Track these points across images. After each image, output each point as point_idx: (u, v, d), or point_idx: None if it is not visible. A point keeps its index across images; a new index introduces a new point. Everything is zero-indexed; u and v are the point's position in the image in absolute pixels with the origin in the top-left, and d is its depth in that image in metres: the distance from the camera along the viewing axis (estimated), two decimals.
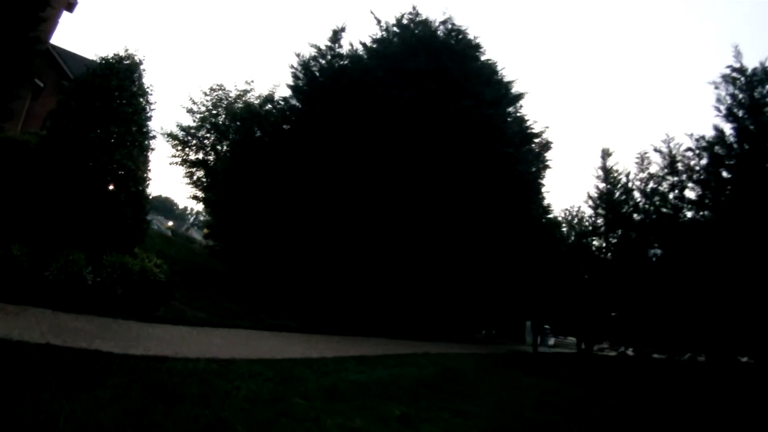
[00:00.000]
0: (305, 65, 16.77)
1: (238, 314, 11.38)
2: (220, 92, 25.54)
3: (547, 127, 22.50)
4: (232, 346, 8.24)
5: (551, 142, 23.85)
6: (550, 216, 23.62)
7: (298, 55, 17.48)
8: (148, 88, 11.76)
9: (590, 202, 21.20)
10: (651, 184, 21.20)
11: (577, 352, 22.44)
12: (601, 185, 21.16)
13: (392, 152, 14.58)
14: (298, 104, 15.99)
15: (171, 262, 12.41)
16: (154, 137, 12.46)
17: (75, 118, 10.42)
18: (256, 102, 21.70)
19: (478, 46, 18.31)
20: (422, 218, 15.01)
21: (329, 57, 17.14)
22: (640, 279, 19.06)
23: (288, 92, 17.22)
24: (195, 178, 27.55)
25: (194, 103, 26.46)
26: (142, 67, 11.65)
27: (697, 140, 20.37)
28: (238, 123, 20.80)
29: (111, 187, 10.50)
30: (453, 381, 9.14)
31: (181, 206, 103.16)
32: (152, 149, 12.38)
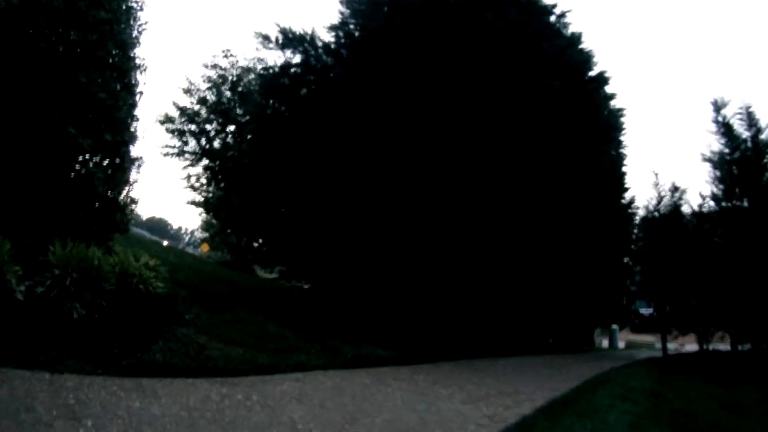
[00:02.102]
0: None
1: (292, 341, 6.88)
2: (230, 60, 21.08)
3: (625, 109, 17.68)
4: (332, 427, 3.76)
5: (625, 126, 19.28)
6: (632, 206, 19.24)
7: None
8: None
9: (709, 166, 16.16)
10: None
11: (664, 351, 17.93)
12: (719, 144, 16.06)
13: (483, 112, 10.16)
14: (339, 58, 11.37)
15: (172, 270, 7.99)
16: (143, 69, 7.95)
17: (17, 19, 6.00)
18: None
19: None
20: (501, 211, 10.62)
21: None
22: None
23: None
24: (194, 176, 23.05)
25: (191, 84, 21.97)
26: None
27: None
28: (257, 97, 16.42)
29: (71, 131, 6.00)
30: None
31: (175, 226, 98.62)
32: (140, 90, 7.89)
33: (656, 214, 17.16)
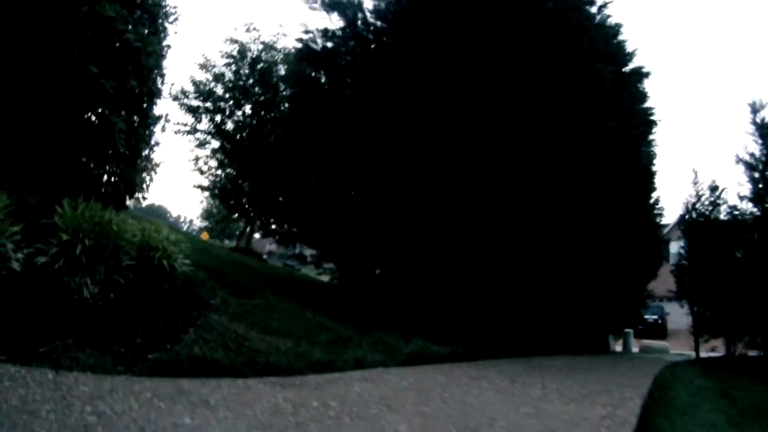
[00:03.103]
0: None
1: (341, 333, 5.89)
2: (251, 34, 19.96)
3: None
4: None
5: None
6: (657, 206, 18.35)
7: None
8: None
9: (743, 167, 15.61)
10: None
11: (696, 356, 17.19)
12: (756, 144, 15.52)
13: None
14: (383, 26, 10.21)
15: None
16: (175, 18, 6.92)
17: None
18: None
19: None
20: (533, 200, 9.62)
21: None
22: None
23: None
24: (203, 158, 21.95)
25: (207, 59, 20.82)
26: None
27: None
28: (286, 72, 15.39)
29: (93, 70, 4.96)
30: None
31: (174, 214, 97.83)
32: (168, 44, 6.83)
33: (694, 213, 16.49)
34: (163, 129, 6.51)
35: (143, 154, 6.25)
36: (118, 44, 5.36)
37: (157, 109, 6.63)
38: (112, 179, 5.26)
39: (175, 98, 20.70)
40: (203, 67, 20.81)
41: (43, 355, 2.84)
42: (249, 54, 20.05)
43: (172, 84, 20.14)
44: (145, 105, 6.08)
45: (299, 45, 9.46)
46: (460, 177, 8.75)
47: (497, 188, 8.71)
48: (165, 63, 6.59)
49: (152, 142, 6.50)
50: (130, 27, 5.52)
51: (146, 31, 6.04)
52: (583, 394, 4.88)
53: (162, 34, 6.57)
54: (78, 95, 4.97)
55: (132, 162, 5.80)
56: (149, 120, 6.17)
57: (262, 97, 19.80)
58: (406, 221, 9.08)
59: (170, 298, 4.63)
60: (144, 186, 6.02)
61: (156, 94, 6.30)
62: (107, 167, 5.23)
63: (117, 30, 5.34)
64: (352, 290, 10.31)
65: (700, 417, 4.28)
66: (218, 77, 20.55)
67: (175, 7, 6.80)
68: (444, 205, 8.88)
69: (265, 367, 3.71)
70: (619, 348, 23.22)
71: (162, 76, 6.53)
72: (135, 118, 5.85)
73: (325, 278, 13.92)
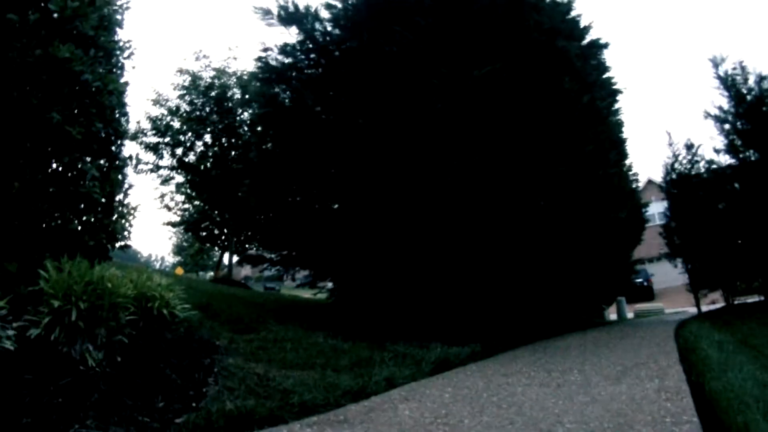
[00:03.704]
0: None
1: (360, 353, 5.62)
2: (202, 62, 19.49)
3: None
4: None
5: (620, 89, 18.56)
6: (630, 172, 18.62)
7: None
8: None
9: (713, 122, 16.06)
10: None
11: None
12: (723, 96, 15.98)
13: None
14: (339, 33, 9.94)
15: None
16: (130, 52, 6.55)
17: None
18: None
19: None
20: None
21: None
22: None
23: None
24: (169, 195, 21.33)
25: (159, 94, 20.25)
26: None
27: None
28: (251, 94, 14.96)
29: (55, 117, 4.59)
30: None
31: (145, 254, 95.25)
32: (126, 80, 6.43)
33: (674, 174, 16.86)
34: (136, 169, 6.12)
35: (118, 199, 5.87)
36: (77, 87, 4.99)
37: (125, 150, 6.29)
38: (91, 231, 4.85)
39: (134, 137, 20.10)
40: (156, 102, 20.25)
41: None
42: (201, 82, 19.58)
43: (138, 122, 19.58)
44: (113, 147, 5.71)
45: (259, 63, 9.12)
46: (442, 172, 8.58)
47: (484, 180, 8.56)
48: (126, 100, 6.26)
49: (125, 186, 6.14)
50: (86, 67, 5.15)
51: (103, 70, 5.68)
52: (621, 370, 4.74)
53: (120, 71, 6.21)
54: (43, 146, 4.60)
55: (109, 209, 5.42)
56: (119, 162, 5.79)
57: (221, 125, 19.36)
58: (395, 226, 8.86)
59: (176, 348, 4.30)
60: (125, 233, 5.63)
61: (122, 134, 5.93)
62: (84, 219, 4.83)
63: (74, 71, 4.97)
64: (351, 306, 10.03)
65: (744, 372, 4.17)
66: (173, 111, 20.02)
67: (129, 41, 6.42)
68: (430, 204, 8.69)
69: (302, 407, 3.42)
70: (614, 316, 23.42)
71: (125, 114, 6.17)
72: (105, 162, 5.48)
73: (313, 296, 13.58)
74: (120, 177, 5.73)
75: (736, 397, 3.02)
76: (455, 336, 7.38)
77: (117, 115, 5.82)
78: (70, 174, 4.91)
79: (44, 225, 4.57)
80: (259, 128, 10.42)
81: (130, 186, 6.26)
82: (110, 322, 3.69)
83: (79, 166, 4.91)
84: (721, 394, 3.14)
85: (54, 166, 4.90)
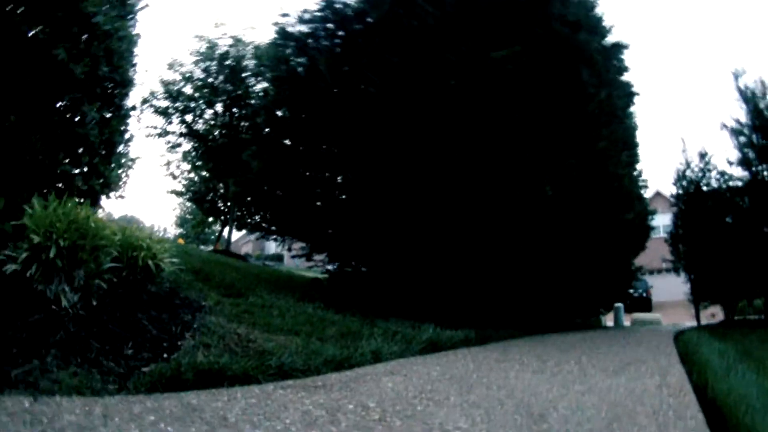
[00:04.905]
0: None
1: (349, 325, 5.47)
2: (221, 30, 19.26)
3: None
4: None
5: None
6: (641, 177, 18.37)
7: None
8: None
9: (729, 134, 15.76)
10: None
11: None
12: (741, 109, 15.72)
13: None
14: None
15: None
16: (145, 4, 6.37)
17: None
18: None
19: None
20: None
21: None
22: None
23: None
24: (175, 162, 21.20)
25: (174, 60, 20.04)
26: None
27: None
28: (264, 62, 14.74)
29: (59, 54, 4.42)
30: None
31: (147, 223, 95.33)
32: (137, 33, 6.28)
33: (684, 181, 16.52)
34: (139, 120, 5.95)
35: (118, 149, 5.72)
36: (87, 27, 4.80)
37: (130, 101, 6.13)
38: (85, 176, 4.69)
39: (145, 101, 19.93)
40: (171, 66, 20.05)
41: (17, 378, 2.35)
42: (217, 50, 19.36)
43: (146, 71, 19.37)
44: (117, 94, 5.55)
45: (276, 29, 8.92)
46: (450, 151, 8.40)
47: (492, 161, 8.38)
48: (136, 51, 6.08)
49: (127, 136, 5.98)
50: (99, 9, 4.97)
51: (115, 15, 5.49)
52: (620, 366, 4.56)
53: (133, 21, 6.04)
54: (45, 83, 4.42)
55: (107, 157, 5.27)
56: (123, 111, 5.63)
57: (233, 94, 19.16)
58: (404, 207, 8.70)
59: (159, 302, 4.14)
60: (120, 183, 5.48)
61: (129, 83, 5.77)
62: (80, 162, 4.67)
63: (85, 12, 4.79)
64: (347, 282, 9.88)
65: (747, 380, 4.00)
66: (187, 77, 19.83)
67: None
68: (435, 183, 8.53)
69: (280, 370, 3.26)
70: (610, 323, 23.32)
71: (134, 64, 6.00)
72: (107, 108, 5.31)
73: (312, 274, 13.45)
74: (121, 125, 5.58)
75: (742, 400, 2.83)
76: (449, 321, 7.24)
77: (126, 63, 5.67)
78: (69, 114, 4.75)
79: (38, 164, 4.40)
80: (270, 92, 10.21)
81: (132, 137, 6.13)
82: (90, 264, 3.53)
83: (80, 107, 4.74)
84: (726, 396, 2.96)
85: (56, 105, 4.76)
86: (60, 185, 4.39)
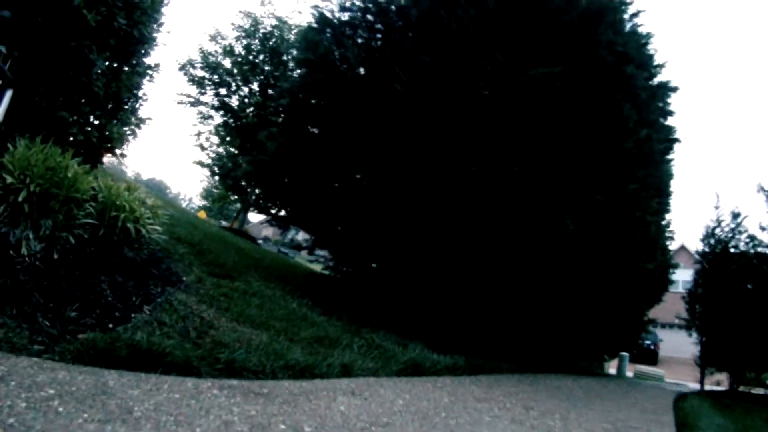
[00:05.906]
0: None
1: (328, 330, 5.13)
2: (266, 8, 19.33)
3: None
4: None
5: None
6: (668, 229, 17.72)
7: None
8: None
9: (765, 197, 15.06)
10: None
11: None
12: None
13: None
14: None
15: (171, 224, 6.39)
16: None
17: None
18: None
19: None
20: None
21: None
22: None
23: None
24: (205, 134, 21.27)
25: (218, 31, 20.14)
26: None
27: None
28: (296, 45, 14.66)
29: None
30: None
31: (174, 191, 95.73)
32: None
33: (713, 239, 15.92)
34: (152, 79, 5.78)
35: (127, 105, 5.56)
36: None
37: (150, 60, 5.97)
38: (81, 126, 4.52)
39: (182, 68, 20.04)
40: (213, 38, 20.14)
41: None
42: (261, 28, 19.36)
43: (168, 32, 19.47)
44: (134, 50, 5.39)
45: (314, 12, 8.74)
46: (471, 163, 8.08)
47: (513, 183, 8.03)
48: (164, 10, 5.92)
49: (139, 94, 5.83)
50: None
51: None
52: (608, 429, 4.17)
53: None
54: (56, 25, 4.27)
55: (112, 112, 5.11)
56: (138, 68, 5.47)
57: (271, 75, 19.13)
58: (413, 215, 8.39)
59: (130, 268, 3.94)
60: (123, 140, 5.31)
61: (149, 40, 5.60)
62: (79, 111, 4.51)
63: None
64: (345, 282, 9.61)
65: None
66: (228, 51, 19.88)
67: None
68: (451, 196, 8.21)
69: (228, 366, 2.99)
70: (612, 370, 22.71)
71: (158, 23, 5.83)
72: (120, 62, 5.16)
73: (317, 267, 13.21)
74: (133, 82, 5.43)
75: None
76: (442, 342, 6.90)
77: (147, 20, 5.51)
78: (75, 60, 4.58)
79: (33, 105, 4.25)
80: (299, 73, 10.02)
81: (145, 96, 5.98)
82: (59, 215, 3.34)
83: (88, 56, 4.58)
84: None
85: (62, 48, 4.60)
86: (53, 130, 4.21)
